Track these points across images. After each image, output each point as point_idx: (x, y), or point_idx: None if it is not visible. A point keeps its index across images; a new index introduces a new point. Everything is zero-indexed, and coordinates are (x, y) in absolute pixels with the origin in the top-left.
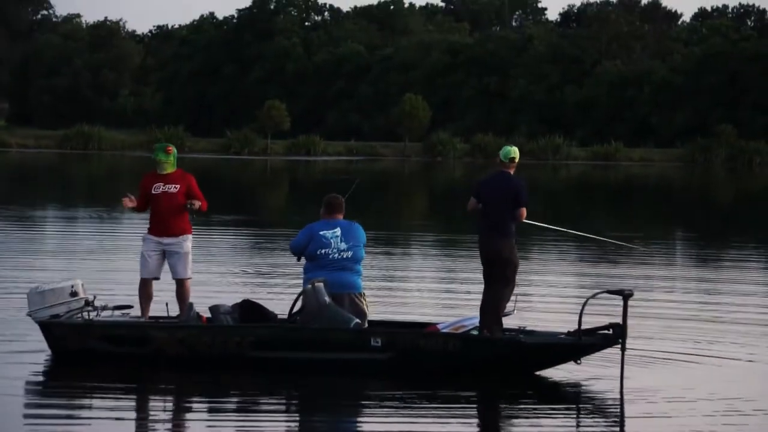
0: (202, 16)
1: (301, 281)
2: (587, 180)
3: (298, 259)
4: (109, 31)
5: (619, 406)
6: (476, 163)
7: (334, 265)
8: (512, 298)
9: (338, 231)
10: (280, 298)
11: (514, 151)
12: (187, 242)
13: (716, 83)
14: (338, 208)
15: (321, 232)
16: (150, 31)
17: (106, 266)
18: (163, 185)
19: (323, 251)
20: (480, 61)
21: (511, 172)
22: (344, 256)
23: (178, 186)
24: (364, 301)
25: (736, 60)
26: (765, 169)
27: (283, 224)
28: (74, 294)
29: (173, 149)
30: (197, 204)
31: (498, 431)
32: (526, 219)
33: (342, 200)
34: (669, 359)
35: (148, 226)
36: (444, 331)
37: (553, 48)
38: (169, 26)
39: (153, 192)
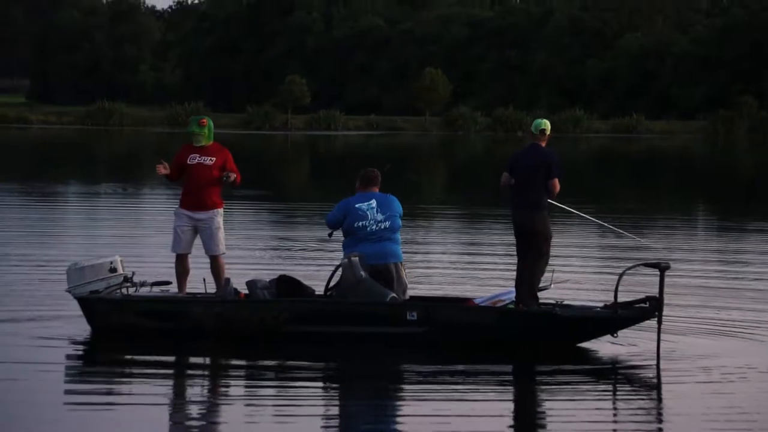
0: None
1: (337, 255)
2: (608, 153)
3: (330, 235)
4: (129, 6)
5: (656, 379)
6: (497, 137)
7: (373, 236)
8: (548, 271)
9: (374, 203)
10: (316, 273)
11: (545, 123)
12: (218, 217)
13: (738, 55)
14: (374, 181)
15: (357, 205)
16: (170, 6)
17: (141, 242)
18: (199, 156)
19: (361, 224)
20: (500, 35)
21: (543, 144)
22: (382, 227)
23: (214, 159)
24: (404, 271)
25: (758, 31)
26: None
27: (311, 198)
28: (113, 270)
29: (208, 121)
30: (233, 176)
31: (534, 405)
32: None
33: (378, 173)
34: (706, 331)
35: (180, 199)
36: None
37: (573, 21)
38: (189, 1)
39: (188, 162)
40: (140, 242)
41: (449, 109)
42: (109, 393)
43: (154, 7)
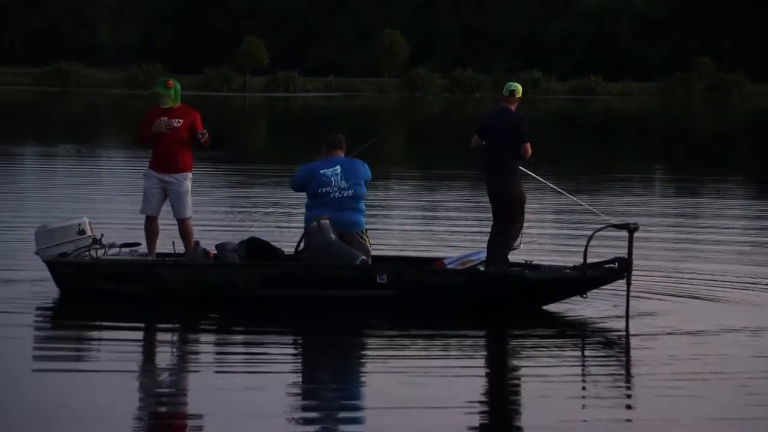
0: None
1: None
2: (567, 115)
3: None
4: None
5: (624, 340)
6: (455, 98)
7: (336, 204)
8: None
9: (338, 169)
10: (285, 235)
11: (515, 86)
12: (187, 180)
13: (694, 16)
14: (339, 144)
15: (321, 171)
16: None
17: (108, 204)
18: (167, 119)
19: (324, 189)
20: None
21: (512, 108)
22: (345, 195)
23: (181, 121)
24: (366, 239)
25: None
26: (744, 101)
27: (273, 160)
28: (82, 232)
29: (174, 83)
30: (205, 134)
31: (504, 368)
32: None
33: (342, 138)
34: (674, 294)
35: (149, 160)
36: (450, 266)
37: None
38: None
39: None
40: (104, 205)
41: (408, 71)
42: (78, 359)
43: None
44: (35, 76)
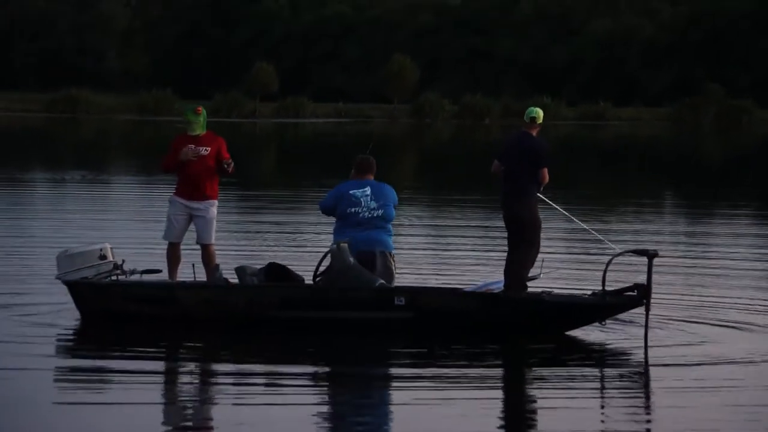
0: None
1: (326, 241)
2: (578, 141)
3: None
4: None
5: (643, 366)
6: (464, 124)
7: (365, 224)
8: (538, 261)
9: (368, 190)
10: (306, 260)
11: (536, 111)
12: (213, 208)
13: (702, 41)
14: (369, 168)
15: (351, 191)
16: None
17: (131, 230)
18: (195, 147)
19: (353, 209)
20: (466, 21)
21: (533, 133)
22: (375, 215)
23: (209, 149)
24: (393, 261)
25: (722, 18)
26: (754, 127)
27: (292, 186)
28: (103, 257)
29: (202, 110)
30: (231, 163)
31: (521, 395)
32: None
33: (373, 161)
34: (694, 319)
35: (175, 187)
36: None
37: (539, 7)
38: None
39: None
40: (124, 231)
41: (416, 96)
42: (97, 390)
43: None
44: (45, 103)
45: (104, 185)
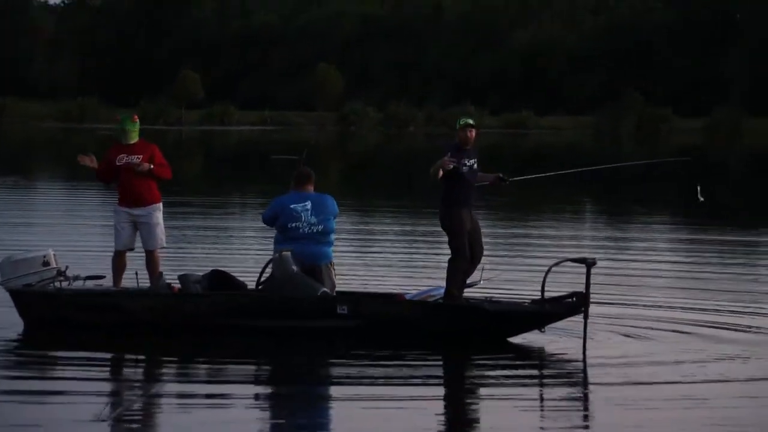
0: None
1: (269, 249)
2: (500, 149)
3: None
4: (21, 1)
5: (582, 373)
6: (389, 132)
7: (305, 238)
8: (479, 267)
9: (309, 204)
10: (249, 268)
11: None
12: (157, 212)
13: (623, 51)
14: (308, 180)
15: (291, 206)
16: (63, 2)
17: (72, 236)
18: (127, 156)
19: (294, 225)
20: (393, 31)
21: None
22: (315, 230)
23: (140, 156)
24: (333, 270)
25: (643, 30)
26: (672, 135)
27: (226, 192)
28: (46, 264)
29: (137, 118)
30: (146, 166)
31: (461, 402)
32: (513, 178)
33: (312, 173)
34: (632, 326)
35: (117, 197)
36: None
37: (465, 17)
38: None
39: (117, 163)
40: (68, 237)
41: (342, 104)
42: (41, 391)
43: (47, 1)
44: None
45: (41, 191)
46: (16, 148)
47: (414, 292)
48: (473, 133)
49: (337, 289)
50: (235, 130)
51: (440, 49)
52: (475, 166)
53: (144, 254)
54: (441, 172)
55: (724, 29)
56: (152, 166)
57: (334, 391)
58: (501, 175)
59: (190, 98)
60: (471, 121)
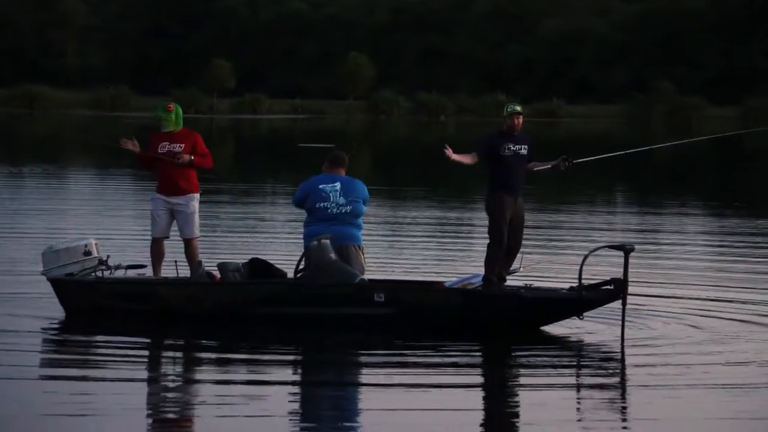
0: None
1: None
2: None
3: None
4: None
5: (620, 361)
6: (420, 120)
7: (333, 219)
8: (519, 255)
9: (338, 185)
10: (289, 255)
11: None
12: (194, 201)
13: (655, 41)
14: (341, 162)
15: (320, 186)
16: None
17: (112, 225)
18: (169, 144)
19: (322, 204)
20: (423, 20)
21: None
22: (343, 211)
23: (183, 145)
24: (362, 255)
25: (675, 18)
26: (702, 124)
27: (261, 180)
28: (88, 253)
29: (174, 107)
30: (185, 158)
31: (499, 391)
32: (576, 160)
33: (345, 156)
34: (672, 312)
35: (156, 185)
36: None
37: (494, 6)
38: None
39: (159, 151)
40: (115, 226)
41: (372, 93)
42: (83, 378)
43: None
44: (2, 99)
45: (79, 180)
46: (46, 137)
47: (453, 279)
48: (520, 120)
49: (372, 277)
50: (266, 119)
51: (469, 38)
52: (523, 151)
53: (182, 243)
54: (452, 156)
55: (756, 17)
56: (193, 158)
57: (371, 378)
58: (565, 156)
59: (221, 87)
60: (518, 108)
